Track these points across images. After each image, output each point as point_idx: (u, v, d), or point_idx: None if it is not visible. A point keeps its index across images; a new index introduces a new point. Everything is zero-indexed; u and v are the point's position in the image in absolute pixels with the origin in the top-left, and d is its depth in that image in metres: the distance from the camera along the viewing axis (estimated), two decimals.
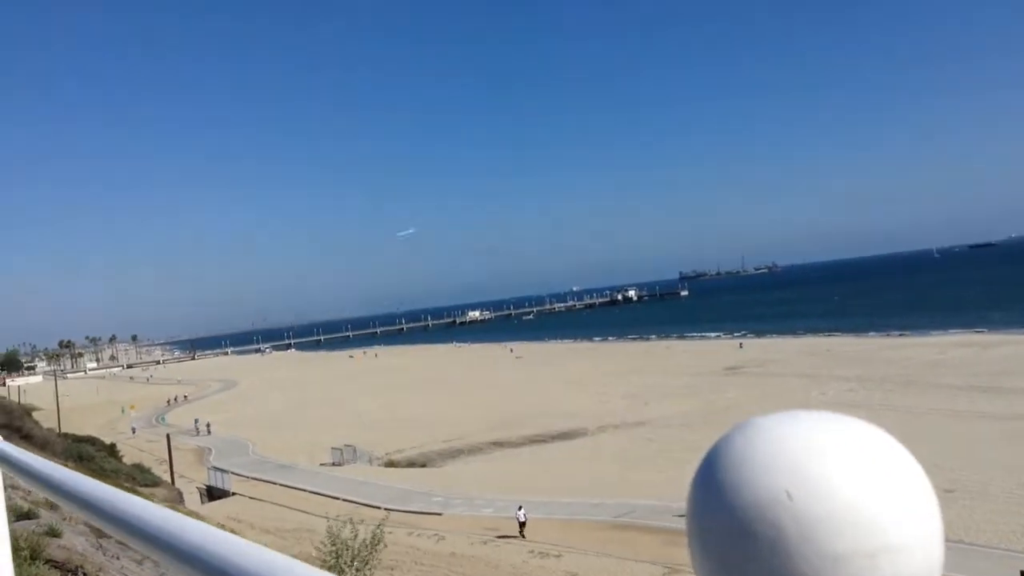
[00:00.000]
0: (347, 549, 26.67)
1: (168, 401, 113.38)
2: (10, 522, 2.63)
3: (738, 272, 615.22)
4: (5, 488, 2.65)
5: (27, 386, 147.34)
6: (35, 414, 75.90)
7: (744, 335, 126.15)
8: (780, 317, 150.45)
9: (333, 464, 56.41)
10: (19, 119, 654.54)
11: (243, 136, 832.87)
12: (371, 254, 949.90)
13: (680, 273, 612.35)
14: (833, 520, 0.52)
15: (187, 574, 1.03)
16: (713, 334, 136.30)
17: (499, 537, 34.78)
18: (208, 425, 79.44)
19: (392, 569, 29.89)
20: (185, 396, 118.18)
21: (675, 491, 39.55)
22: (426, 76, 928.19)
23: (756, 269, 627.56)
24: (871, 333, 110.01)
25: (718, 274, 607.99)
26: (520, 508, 35.57)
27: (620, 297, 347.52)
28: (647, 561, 30.74)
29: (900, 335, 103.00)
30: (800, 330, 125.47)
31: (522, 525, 35.16)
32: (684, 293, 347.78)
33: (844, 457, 0.55)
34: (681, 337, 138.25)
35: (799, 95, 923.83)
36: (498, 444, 60.33)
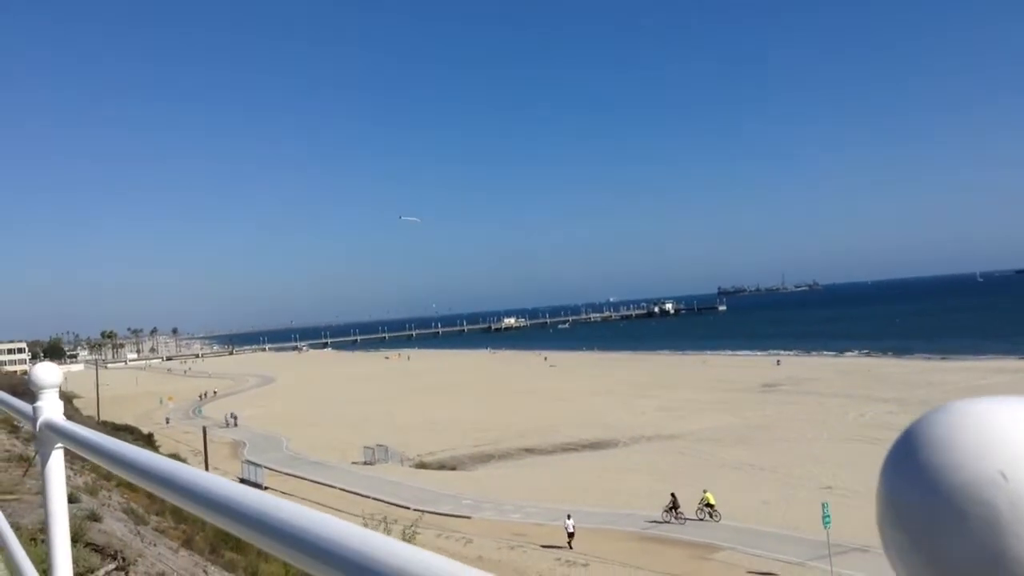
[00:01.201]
0: None
1: (200, 396, 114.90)
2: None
3: (778, 289, 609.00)
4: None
5: (69, 374, 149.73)
6: (76, 402, 77.69)
7: (782, 353, 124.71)
8: (819, 336, 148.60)
9: (365, 463, 56.87)
10: (69, 117, 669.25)
11: (288, 139, 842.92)
12: (409, 258, 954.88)
13: (719, 288, 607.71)
14: None
15: (282, 552, 1.07)
16: (750, 351, 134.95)
17: (544, 547, 34.63)
18: (235, 417, 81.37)
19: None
20: (215, 391, 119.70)
21: None
22: (482, 88, 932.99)
23: (796, 287, 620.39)
24: (912, 355, 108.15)
25: (757, 290, 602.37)
26: (569, 517, 35.17)
27: (657, 310, 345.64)
28: (673, 575, 30.67)
29: (942, 359, 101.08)
30: (839, 350, 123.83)
31: (571, 536, 34.63)
32: (722, 308, 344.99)
33: None
34: (717, 352, 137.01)
35: (843, 115, 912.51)
36: (529, 451, 60.37)
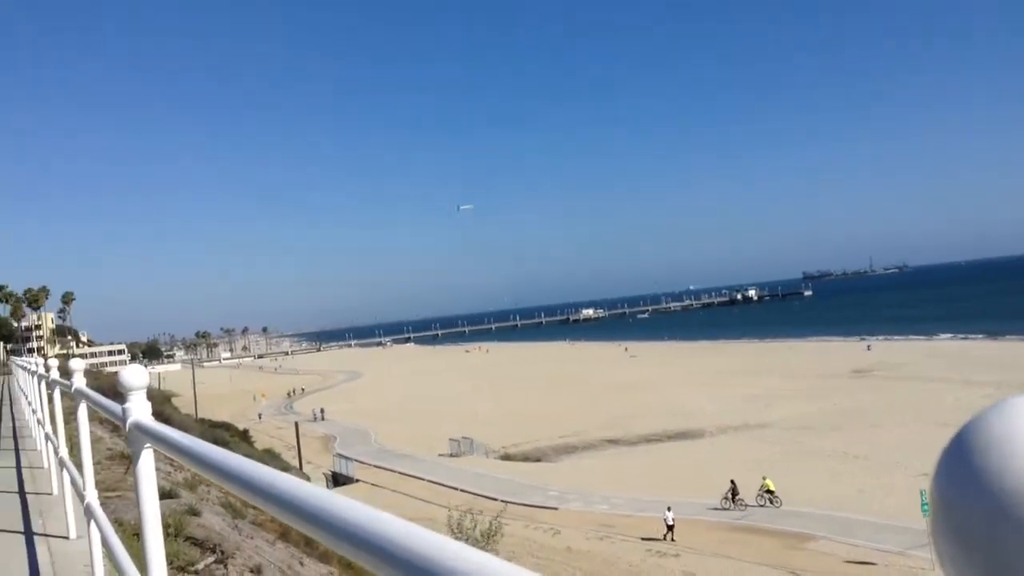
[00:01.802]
0: (467, 540, 27.29)
1: (288, 393, 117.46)
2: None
3: (865, 272, 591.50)
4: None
5: (166, 374, 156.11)
6: (174, 400, 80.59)
7: (872, 337, 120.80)
8: (910, 320, 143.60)
9: (451, 455, 57.51)
10: (152, 123, 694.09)
11: (370, 141, 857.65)
12: (486, 251, 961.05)
13: (803, 273, 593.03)
14: None
15: (343, 549, 1.06)
16: (838, 336, 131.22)
17: (643, 539, 34.28)
18: (322, 412, 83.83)
19: (509, 561, 30.21)
20: (303, 389, 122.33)
21: (797, 495, 38.50)
22: (562, 83, 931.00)
23: (885, 269, 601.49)
24: (1008, 337, 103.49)
25: (844, 274, 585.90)
26: (669, 509, 34.59)
27: (739, 297, 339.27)
28: (767, 564, 30.07)
29: None
30: (932, 333, 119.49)
31: (670, 528, 34.09)
32: (808, 293, 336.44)
33: None
34: (804, 339, 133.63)
35: (931, 92, 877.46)
36: (612, 442, 60.07)
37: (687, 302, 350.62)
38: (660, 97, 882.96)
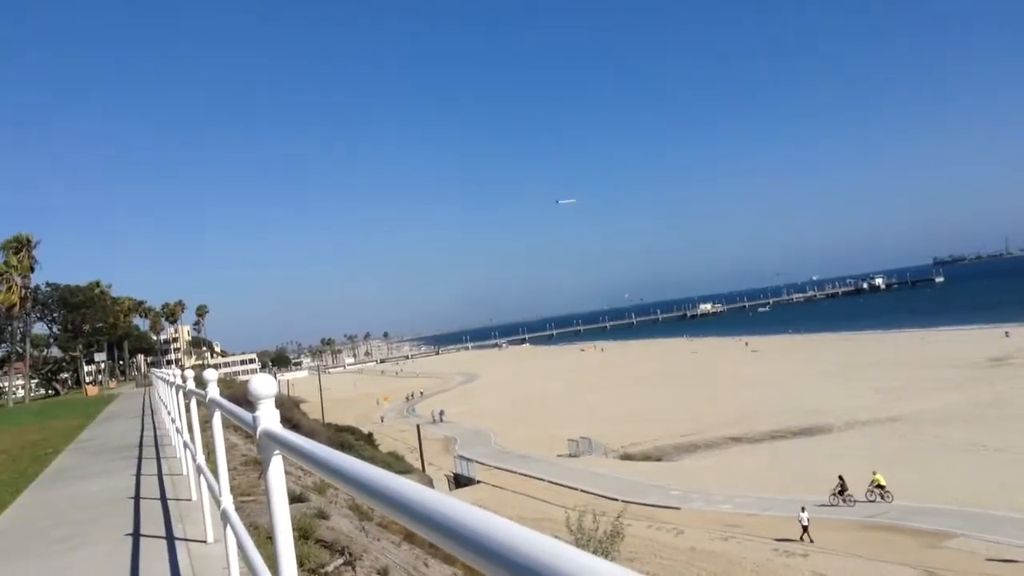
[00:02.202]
0: (589, 540, 27.22)
1: (407, 397, 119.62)
2: None
3: (1001, 255, 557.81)
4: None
5: (294, 380, 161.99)
6: (302, 406, 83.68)
7: (1010, 325, 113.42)
8: None
9: (570, 455, 57.48)
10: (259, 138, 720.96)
11: (487, 145, 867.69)
12: (601, 250, 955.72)
13: (934, 259, 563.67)
14: None
15: (462, 555, 1.06)
16: (973, 324, 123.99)
17: (778, 540, 33.32)
18: (442, 414, 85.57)
19: (632, 560, 30.03)
20: (422, 392, 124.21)
21: (932, 492, 36.75)
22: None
23: (1022, 251, 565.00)
24: None
25: (978, 258, 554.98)
26: (803, 510, 33.54)
27: (866, 286, 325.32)
28: (903, 563, 28.74)
29: None
30: None
31: (805, 528, 33.01)
32: (939, 280, 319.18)
33: None
34: (936, 328, 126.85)
35: None
36: (735, 439, 58.70)
37: (810, 293, 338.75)
38: (784, 84, 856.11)
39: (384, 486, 1.52)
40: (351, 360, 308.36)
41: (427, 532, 1.20)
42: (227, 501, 5.25)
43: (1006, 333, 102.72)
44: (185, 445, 9.93)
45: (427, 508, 1.24)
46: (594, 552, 23.65)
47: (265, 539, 6.61)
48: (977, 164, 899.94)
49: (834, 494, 37.55)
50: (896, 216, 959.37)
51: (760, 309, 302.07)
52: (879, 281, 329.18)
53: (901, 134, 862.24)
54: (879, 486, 37.17)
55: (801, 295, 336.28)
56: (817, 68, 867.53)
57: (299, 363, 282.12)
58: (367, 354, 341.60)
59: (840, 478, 37.75)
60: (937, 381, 69.81)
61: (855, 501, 36.64)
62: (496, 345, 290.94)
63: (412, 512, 1.31)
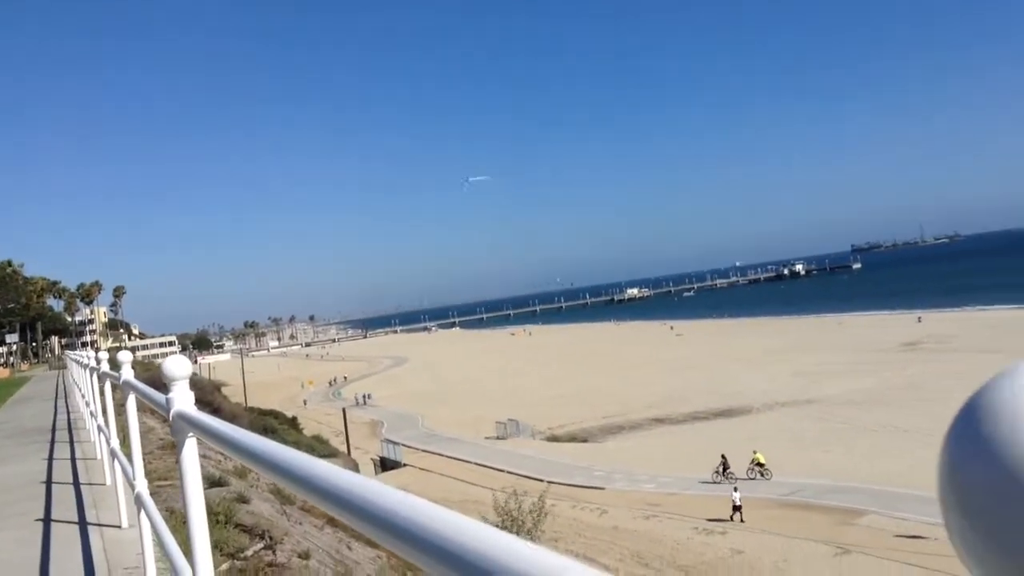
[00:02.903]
0: (513, 521, 27.51)
1: (329, 382, 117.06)
2: (203, 489, 2.91)
3: (916, 243, 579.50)
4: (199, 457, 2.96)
5: (216, 364, 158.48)
6: (224, 389, 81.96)
7: (923, 310, 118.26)
8: (962, 290, 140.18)
9: (497, 438, 57.83)
10: (209, 123, 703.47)
11: (418, 132, 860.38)
12: (530, 233, 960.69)
13: (852, 246, 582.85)
14: None
15: (377, 536, 1.05)
16: (888, 309, 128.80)
17: (709, 520, 33.95)
18: (367, 397, 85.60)
19: (556, 540, 30.45)
20: (345, 377, 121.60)
21: (846, 471, 38.12)
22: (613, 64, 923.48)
23: (936, 239, 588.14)
24: None
25: (894, 245, 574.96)
26: (736, 490, 34.42)
27: (787, 272, 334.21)
28: (817, 540, 29.84)
29: None
30: (984, 303, 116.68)
31: (737, 508, 33.57)
32: (857, 266, 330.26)
33: None
34: (853, 313, 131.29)
35: (976, 61, 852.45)
36: (659, 421, 59.89)
37: (733, 279, 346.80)
38: (703, 73, 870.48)
39: (300, 468, 1.49)
40: (275, 343, 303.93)
41: (345, 515, 1.17)
42: (141, 485, 5.15)
43: (919, 318, 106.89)
44: (99, 429, 9.69)
45: (344, 490, 1.21)
46: (517, 532, 23.83)
47: (181, 524, 6.49)
48: (892, 155, 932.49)
49: (717, 471, 39.48)
50: (816, 204, 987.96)
51: (685, 294, 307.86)
52: (799, 267, 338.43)
53: (817, 124, 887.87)
54: (759, 464, 39.32)
55: (724, 280, 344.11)
56: (738, 59, 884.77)
57: (221, 346, 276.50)
58: (292, 337, 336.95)
59: (723, 456, 39.75)
60: (853, 365, 72.30)
61: (736, 478, 38.29)
62: (426, 328, 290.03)
63: (329, 494, 1.29)
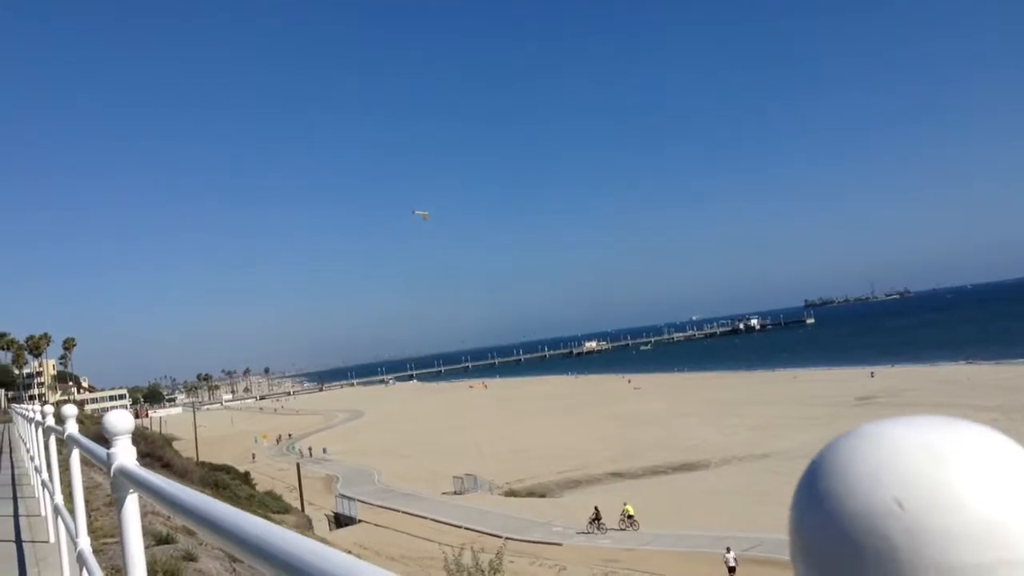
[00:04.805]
0: None
1: (277, 439, 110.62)
2: (149, 546, 2.87)
3: (868, 298, 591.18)
4: (145, 514, 2.92)
5: (168, 417, 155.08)
6: (175, 444, 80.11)
7: (875, 365, 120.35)
8: (913, 345, 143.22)
9: (455, 492, 57.10)
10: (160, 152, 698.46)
11: (370, 177, 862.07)
12: (490, 286, 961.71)
13: (805, 301, 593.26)
14: (949, 531, 0.47)
15: None
16: (842, 364, 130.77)
17: None
18: (316, 451, 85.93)
19: None
20: (290, 435, 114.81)
21: None
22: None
23: (887, 295, 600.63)
24: (1013, 361, 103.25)
25: (846, 301, 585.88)
26: (729, 550, 32.85)
27: (742, 326, 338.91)
28: None
29: None
30: (935, 358, 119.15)
31: (731, 570, 32.34)
32: (810, 321, 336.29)
33: (961, 464, 0.50)
34: (807, 368, 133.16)
35: (928, 112, 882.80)
36: (617, 475, 59.70)
37: (690, 332, 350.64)
38: (663, 119, 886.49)
39: (241, 529, 1.46)
40: (229, 397, 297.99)
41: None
42: (84, 543, 5.04)
43: (871, 373, 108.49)
44: (43, 484, 9.44)
45: (287, 553, 1.20)
46: None
47: None
48: (844, 213, 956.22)
49: (590, 522, 41.18)
50: (770, 260, 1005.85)
51: (643, 347, 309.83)
52: (754, 322, 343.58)
53: (771, 181, 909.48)
54: (629, 516, 41.27)
55: (681, 334, 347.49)
56: (696, 107, 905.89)
57: (173, 399, 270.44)
58: (246, 390, 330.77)
59: (596, 508, 41.60)
60: (807, 419, 73.00)
61: (607, 529, 40.34)
62: (383, 381, 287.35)
63: (271, 557, 1.28)
